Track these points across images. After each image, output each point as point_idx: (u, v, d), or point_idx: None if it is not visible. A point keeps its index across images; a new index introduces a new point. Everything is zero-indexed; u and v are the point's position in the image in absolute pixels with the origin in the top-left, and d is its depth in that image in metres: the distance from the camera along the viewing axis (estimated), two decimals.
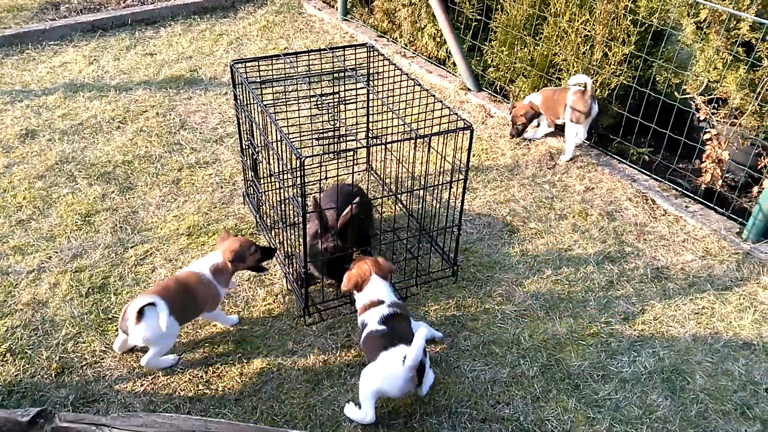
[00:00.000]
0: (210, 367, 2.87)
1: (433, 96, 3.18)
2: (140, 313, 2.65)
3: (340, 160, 4.03)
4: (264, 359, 2.91)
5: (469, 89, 5.11)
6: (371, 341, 2.65)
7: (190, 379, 2.81)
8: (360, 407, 2.62)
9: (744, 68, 3.83)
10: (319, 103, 3.22)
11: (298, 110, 3.73)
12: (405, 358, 2.48)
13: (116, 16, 6.10)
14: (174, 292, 2.77)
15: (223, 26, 6.17)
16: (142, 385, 2.78)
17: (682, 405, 2.78)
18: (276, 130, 2.89)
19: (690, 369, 2.94)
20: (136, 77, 5.22)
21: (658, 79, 4.20)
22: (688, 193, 4.03)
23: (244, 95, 3.31)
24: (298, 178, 2.71)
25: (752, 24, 3.75)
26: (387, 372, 2.53)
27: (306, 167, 3.12)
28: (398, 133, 3.73)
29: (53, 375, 2.81)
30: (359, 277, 2.84)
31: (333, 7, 6.55)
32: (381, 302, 2.76)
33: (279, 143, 3.02)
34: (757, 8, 3.75)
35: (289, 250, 3.26)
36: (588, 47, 4.31)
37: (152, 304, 2.67)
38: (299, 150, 3.35)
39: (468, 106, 4.99)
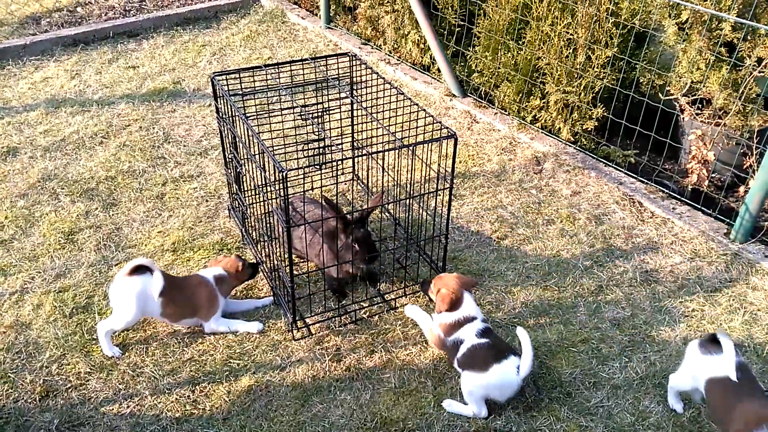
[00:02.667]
0: (197, 386, 2.82)
1: (417, 105, 3.16)
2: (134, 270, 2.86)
3: (324, 171, 4.00)
4: (252, 376, 2.87)
5: (454, 95, 5.10)
6: (477, 355, 2.70)
7: (176, 398, 2.77)
8: (466, 404, 2.72)
9: (727, 68, 3.84)
10: (302, 113, 3.19)
11: (282, 121, 3.70)
12: (519, 368, 2.62)
13: (98, 30, 6.05)
14: (174, 280, 3.02)
15: (206, 37, 6.13)
16: (128, 407, 2.74)
17: (674, 410, 2.77)
18: (258, 143, 2.86)
19: None
20: (119, 91, 5.17)
21: (641, 81, 4.21)
22: (675, 195, 4.03)
23: (226, 108, 3.28)
24: (281, 191, 2.68)
25: (734, 24, 3.76)
26: (502, 382, 2.65)
27: (290, 179, 3.09)
28: (383, 142, 3.71)
29: (37, 399, 2.76)
30: (454, 295, 2.84)
31: (316, 15, 6.53)
32: (474, 318, 2.81)
33: (261, 156, 2.99)
34: (739, 8, 3.75)
35: (276, 263, 3.23)
36: (571, 51, 4.31)
37: (149, 269, 2.87)
38: (284, 162, 3.32)
39: (453, 112, 4.98)
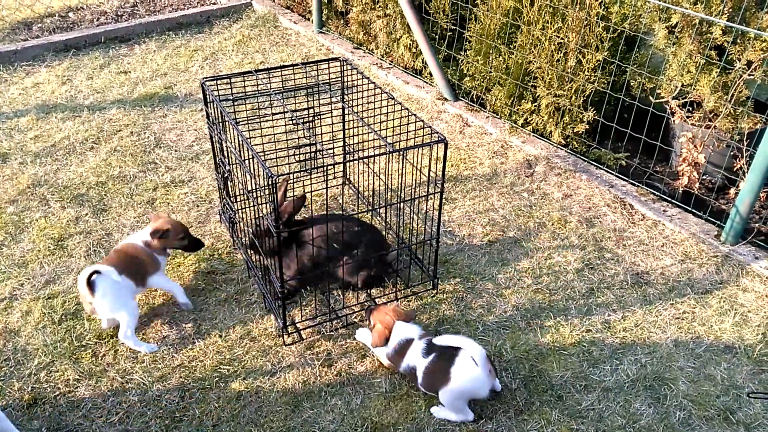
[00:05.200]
0: (187, 393, 2.81)
1: (407, 109, 3.16)
2: (91, 285, 2.88)
3: (315, 176, 3.99)
4: (242, 382, 2.85)
5: (446, 99, 5.10)
6: (434, 372, 2.67)
7: (166, 405, 2.75)
8: (454, 413, 2.71)
9: (717, 71, 3.85)
10: (293, 118, 3.19)
11: (273, 126, 3.70)
12: (473, 359, 2.58)
13: (89, 35, 6.04)
14: (117, 259, 3.05)
15: (198, 42, 6.13)
16: (117, 414, 2.72)
17: (665, 412, 2.77)
18: (247, 148, 2.85)
19: (672, 375, 2.93)
20: (110, 96, 5.16)
21: (632, 84, 4.22)
22: (666, 197, 4.04)
23: (216, 113, 3.27)
24: (270, 196, 2.67)
25: (724, 28, 3.77)
26: (469, 380, 2.61)
27: (279, 184, 3.08)
28: (375, 147, 3.71)
29: (25, 406, 2.74)
30: (388, 332, 2.82)
31: (308, 20, 6.53)
32: (411, 340, 2.77)
33: (251, 161, 2.98)
34: (729, 12, 3.77)
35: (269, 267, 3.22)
36: (562, 55, 4.32)
37: (97, 272, 2.91)
38: (275, 167, 3.31)
39: (445, 116, 4.98)
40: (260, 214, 3.10)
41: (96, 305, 2.93)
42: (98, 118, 4.83)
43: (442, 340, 2.74)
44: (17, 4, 6.70)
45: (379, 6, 5.54)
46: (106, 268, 2.95)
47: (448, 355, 2.66)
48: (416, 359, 2.72)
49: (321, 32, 6.27)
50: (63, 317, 3.16)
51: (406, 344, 2.77)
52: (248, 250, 3.41)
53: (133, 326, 2.98)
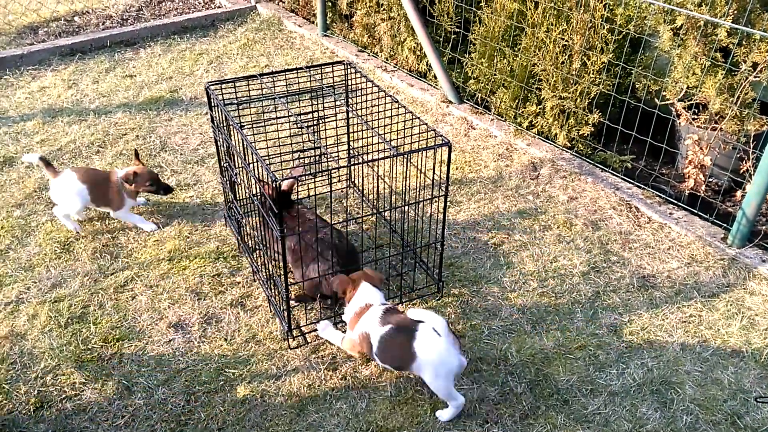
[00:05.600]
0: (192, 396, 2.81)
1: (411, 113, 3.16)
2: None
3: (320, 179, 3.99)
4: (247, 386, 2.85)
5: (450, 102, 5.10)
6: (392, 345, 2.63)
7: (171, 409, 2.75)
8: (447, 405, 2.69)
9: (722, 73, 3.84)
10: (297, 122, 3.19)
11: (278, 130, 3.70)
12: (434, 329, 2.53)
13: (95, 39, 6.07)
14: (90, 171, 3.72)
15: (203, 45, 6.15)
16: (122, 417, 2.73)
17: (672, 417, 2.75)
18: (252, 153, 2.86)
19: (679, 379, 2.92)
20: (116, 100, 5.18)
21: (637, 86, 4.21)
22: (672, 200, 4.02)
23: (220, 117, 3.28)
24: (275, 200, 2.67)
25: (729, 30, 3.76)
26: (435, 353, 2.54)
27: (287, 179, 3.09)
28: (379, 150, 3.71)
29: (32, 410, 2.75)
30: (351, 282, 2.85)
31: (313, 23, 6.54)
32: (370, 305, 2.77)
33: (255, 165, 2.99)
34: (734, 14, 3.76)
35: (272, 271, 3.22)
36: (566, 57, 4.31)
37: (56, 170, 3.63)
38: (280, 170, 3.31)
39: (450, 118, 4.98)
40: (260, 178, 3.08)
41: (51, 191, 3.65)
42: (104, 122, 4.85)
43: (403, 314, 2.72)
44: (23, 8, 6.73)
45: (384, 9, 5.55)
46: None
47: (408, 329, 2.60)
48: (371, 326, 2.69)
49: (325, 35, 6.27)
50: (69, 321, 3.17)
51: (365, 308, 2.76)
52: (254, 254, 3.41)
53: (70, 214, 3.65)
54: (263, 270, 3.31)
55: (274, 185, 2.65)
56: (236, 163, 3.33)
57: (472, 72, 4.98)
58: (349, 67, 3.58)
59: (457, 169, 4.36)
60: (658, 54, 4.10)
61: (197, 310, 3.24)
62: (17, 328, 3.13)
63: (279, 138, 3.72)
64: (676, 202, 4.00)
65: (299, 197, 3.81)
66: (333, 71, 3.59)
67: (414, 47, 5.42)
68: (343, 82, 3.65)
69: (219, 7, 7.00)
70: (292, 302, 3.20)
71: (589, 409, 2.78)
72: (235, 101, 3.38)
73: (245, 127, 3.48)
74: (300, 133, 4.19)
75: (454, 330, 2.68)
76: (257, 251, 3.46)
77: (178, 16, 6.64)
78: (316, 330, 3.10)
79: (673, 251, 3.66)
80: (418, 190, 3.87)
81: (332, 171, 3.95)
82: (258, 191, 3.07)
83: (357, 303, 2.82)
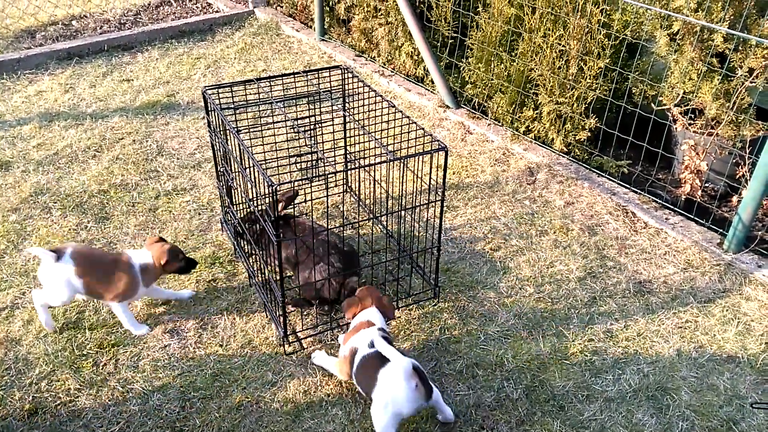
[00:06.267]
0: (187, 402, 2.80)
1: (408, 117, 3.16)
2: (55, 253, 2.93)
3: (316, 184, 3.99)
4: (243, 392, 2.85)
5: (448, 106, 5.11)
6: (366, 368, 2.57)
7: (166, 415, 2.75)
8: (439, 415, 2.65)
9: (718, 79, 3.84)
10: (294, 126, 3.19)
11: (274, 134, 3.70)
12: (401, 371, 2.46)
13: (92, 43, 6.07)
14: (93, 258, 3.03)
15: (200, 50, 6.15)
16: (117, 423, 2.72)
17: (668, 423, 2.75)
18: (248, 157, 2.85)
19: (675, 385, 2.91)
20: (113, 104, 5.17)
21: (633, 91, 4.21)
22: (668, 205, 4.03)
23: (217, 121, 3.28)
24: (271, 205, 2.67)
25: (725, 35, 3.77)
26: (391, 390, 2.47)
27: (280, 192, 3.08)
28: (376, 155, 3.71)
29: (26, 416, 2.74)
30: (360, 305, 2.83)
31: (311, 27, 6.55)
32: (371, 325, 2.73)
33: (252, 170, 2.98)
34: (730, 20, 3.77)
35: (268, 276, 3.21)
36: (563, 62, 4.32)
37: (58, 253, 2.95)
38: (277, 175, 3.31)
39: (447, 123, 4.98)
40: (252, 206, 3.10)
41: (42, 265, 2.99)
42: (101, 126, 4.85)
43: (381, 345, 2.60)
44: (21, 12, 6.73)
45: (381, 14, 5.55)
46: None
47: (384, 357, 2.52)
48: (361, 344, 2.65)
49: (323, 40, 6.28)
50: (64, 326, 3.16)
51: (363, 324, 2.74)
52: (250, 259, 3.41)
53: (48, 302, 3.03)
54: (259, 275, 3.31)
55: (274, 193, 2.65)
56: (233, 168, 3.33)
57: (469, 77, 4.98)
58: (346, 71, 3.59)
59: (453, 173, 4.36)
60: (654, 59, 4.11)
61: (192, 316, 3.23)
62: (12, 334, 3.12)
63: (276, 143, 3.72)
64: (672, 207, 4.01)
65: (296, 205, 3.80)
66: (330, 76, 3.59)
67: (411, 52, 5.43)
68: (341, 86, 3.65)
69: (217, 11, 7.00)
70: (289, 308, 3.19)
71: (585, 415, 2.77)
72: (232, 106, 3.38)
73: (242, 131, 3.48)
74: (297, 137, 4.19)
75: (423, 371, 2.55)
76: (253, 256, 3.45)
77: (175, 21, 6.65)
78: (311, 336, 3.10)
79: (669, 256, 3.66)
80: (414, 194, 3.88)
81: (329, 176, 3.95)
82: (254, 198, 3.08)
83: (359, 319, 2.79)
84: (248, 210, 3.18)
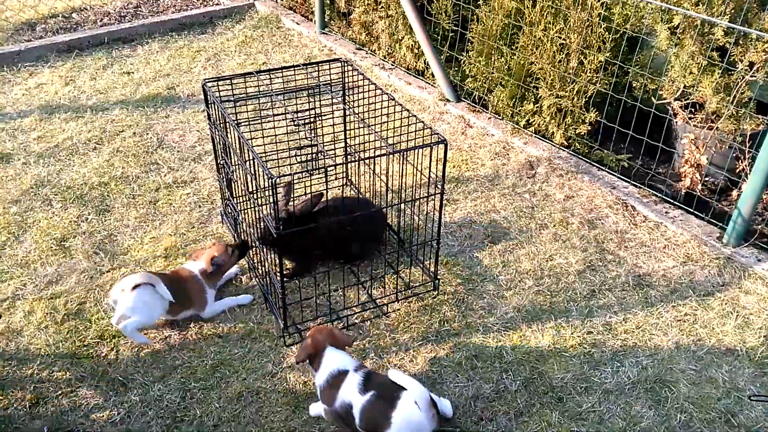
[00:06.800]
0: (188, 393, 2.82)
1: (407, 111, 3.16)
2: (136, 287, 2.90)
3: (316, 177, 3.99)
4: (243, 383, 2.86)
5: (448, 100, 5.10)
6: (373, 412, 2.44)
7: (167, 405, 2.76)
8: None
9: (719, 73, 3.84)
10: (295, 119, 3.19)
11: (274, 127, 3.70)
12: (416, 402, 2.39)
13: (93, 36, 6.06)
14: (168, 280, 3.02)
15: (201, 42, 6.14)
16: (118, 413, 2.73)
17: (666, 415, 2.76)
18: (248, 150, 2.86)
19: (673, 378, 2.92)
20: (113, 97, 5.17)
21: (634, 85, 4.21)
22: (668, 199, 4.03)
23: (217, 114, 3.28)
24: (271, 197, 2.68)
25: (726, 29, 3.76)
26: (409, 428, 2.40)
27: (279, 186, 3.09)
28: (376, 148, 3.71)
29: (27, 406, 2.75)
30: (312, 347, 2.62)
31: (311, 20, 6.54)
32: (346, 372, 2.55)
33: (252, 162, 2.99)
34: (730, 13, 3.76)
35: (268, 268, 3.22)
36: (564, 55, 4.32)
37: (151, 285, 2.93)
38: (277, 168, 3.31)
39: (447, 116, 4.98)
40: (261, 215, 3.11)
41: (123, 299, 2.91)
42: (101, 119, 4.85)
43: (384, 378, 2.54)
44: (21, 5, 6.72)
45: (382, 7, 5.54)
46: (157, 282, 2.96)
47: (390, 396, 2.43)
48: (353, 395, 2.48)
49: (323, 33, 6.27)
50: (65, 317, 3.17)
51: (340, 376, 2.54)
52: (250, 251, 3.42)
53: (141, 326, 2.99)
54: (259, 267, 3.32)
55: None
56: (233, 161, 3.33)
57: (470, 70, 4.98)
58: (346, 64, 3.58)
59: (453, 167, 4.37)
60: (655, 53, 4.11)
61: None
62: (13, 325, 3.13)
63: (276, 135, 3.72)
64: (672, 201, 4.01)
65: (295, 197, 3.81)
66: (330, 69, 3.58)
67: (412, 45, 5.42)
68: (341, 79, 3.65)
69: (217, 4, 6.99)
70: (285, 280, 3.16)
71: (584, 407, 2.78)
72: (232, 98, 3.38)
73: (242, 124, 3.48)
74: (297, 130, 4.19)
75: (433, 397, 2.53)
76: (253, 248, 3.46)
77: (176, 13, 6.64)
78: (311, 327, 3.11)
79: (669, 250, 3.67)
80: (414, 188, 3.88)
81: (329, 168, 3.95)
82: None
83: (328, 372, 2.57)
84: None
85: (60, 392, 2.82)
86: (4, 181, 4.14)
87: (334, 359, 2.59)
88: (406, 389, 2.44)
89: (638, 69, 4.14)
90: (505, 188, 4.17)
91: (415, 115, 3.12)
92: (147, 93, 5.23)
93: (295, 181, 3.93)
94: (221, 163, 3.50)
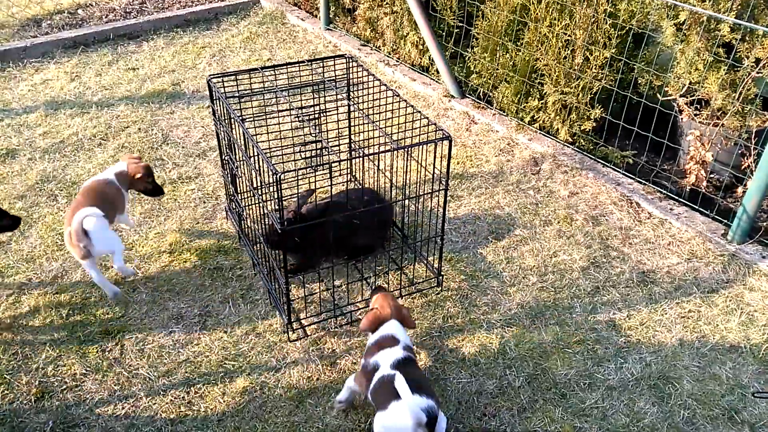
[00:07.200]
0: (192, 388, 2.83)
1: (412, 107, 3.16)
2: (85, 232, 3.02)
3: (321, 173, 4.00)
4: (247, 378, 2.87)
5: (453, 96, 5.10)
6: (383, 389, 2.43)
7: (171, 400, 2.77)
8: None
9: (725, 69, 3.83)
10: (299, 115, 3.20)
11: (279, 123, 3.71)
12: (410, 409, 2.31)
13: (98, 32, 6.07)
14: (95, 199, 3.18)
15: (206, 39, 6.15)
16: (123, 408, 2.75)
17: (669, 411, 2.76)
18: (252, 146, 2.86)
19: (677, 374, 2.92)
20: (118, 93, 5.19)
21: (639, 81, 4.20)
22: (673, 196, 4.02)
23: (222, 110, 3.29)
24: (275, 193, 2.68)
25: (732, 25, 3.75)
26: (395, 424, 2.33)
27: (284, 181, 3.09)
28: (380, 144, 3.71)
29: (33, 400, 2.77)
30: (379, 318, 2.70)
31: (316, 17, 6.54)
32: (396, 341, 2.59)
33: (256, 158, 3.00)
34: (737, 9, 3.74)
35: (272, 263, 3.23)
36: (569, 52, 4.31)
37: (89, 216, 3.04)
38: (281, 163, 3.32)
39: (452, 113, 4.98)
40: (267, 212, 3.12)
41: (94, 248, 3.07)
42: (106, 115, 4.86)
43: (415, 372, 2.52)
44: (26, 1, 6.74)
45: (387, 3, 5.54)
46: (93, 211, 3.05)
47: (396, 392, 2.35)
48: (385, 362, 2.51)
49: (328, 29, 6.27)
50: (70, 312, 3.19)
51: (390, 342, 2.60)
52: (254, 247, 3.43)
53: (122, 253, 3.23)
54: (264, 263, 3.33)
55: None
56: (237, 156, 3.34)
57: (475, 66, 4.97)
58: (351, 61, 3.58)
59: (458, 163, 4.36)
60: (660, 49, 4.09)
61: (197, 303, 3.25)
62: (19, 319, 3.15)
63: (280, 131, 3.73)
64: (677, 197, 4.00)
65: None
66: (335, 65, 3.58)
67: (417, 41, 5.41)
68: (345, 75, 3.65)
69: (222, 0, 6.99)
70: (292, 293, 3.21)
71: (587, 403, 2.79)
72: (237, 94, 3.39)
73: (247, 120, 3.49)
74: (301, 126, 4.20)
75: (433, 412, 2.38)
76: (257, 244, 3.47)
77: (180, 10, 6.64)
78: (315, 323, 3.12)
79: (673, 247, 3.66)
80: (418, 184, 3.88)
81: (333, 164, 3.95)
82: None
83: (382, 334, 2.65)
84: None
85: (65, 386, 2.83)
86: (10, 177, 4.16)
87: (393, 328, 2.66)
88: (422, 394, 2.36)
89: (644, 65, 4.13)
90: (509, 185, 4.16)
91: (419, 111, 3.12)
92: (152, 89, 5.24)
93: (300, 177, 3.94)
94: (226, 159, 3.51)
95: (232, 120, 3.19)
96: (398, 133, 3.30)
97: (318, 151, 3.80)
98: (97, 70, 5.52)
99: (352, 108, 3.75)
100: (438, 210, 3.79)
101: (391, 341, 2.60)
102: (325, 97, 3.68)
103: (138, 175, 3.45)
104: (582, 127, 4.42)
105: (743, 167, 3.90)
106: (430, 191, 3.18)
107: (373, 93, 3.42)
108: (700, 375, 2.92)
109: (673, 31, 3.98)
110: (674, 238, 3.72)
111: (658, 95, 4.10)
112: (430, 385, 2.55)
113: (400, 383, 2.30)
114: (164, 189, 3.63)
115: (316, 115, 3.56)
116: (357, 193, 3.52)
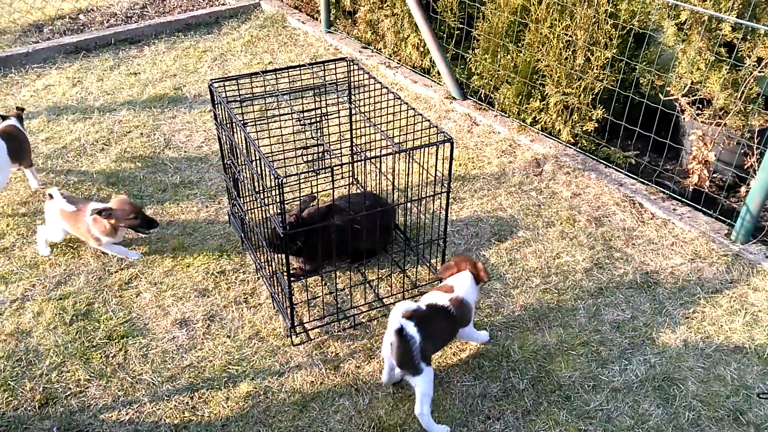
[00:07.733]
0: (196, 393, 2.83)
1: (414, 109, 3.16)
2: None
3: (323, 177, 4.00)
4: (250, 382, 2.87)
5: (454, 98, 5.10)
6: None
7: (175, 405, 2.77)
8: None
9: (726, 68, 3.82)
10: (301, 119, 3.20)
11: (281, 127, 3.71)
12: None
13: (99, 37, 6.09)
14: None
15: (207, 42, 6.16)
16: (127, 414, 2.75)
17: (674, 413, 2.75)
18: (254, 150, 2.87)
19: (682, 375, 2.91)
20: (120, 98, 5.20)
21: (641, 81, 4.19)
22: (676, 196, 4.01)
23: (224, 114, 3.29)
24: (278, 196, 2.68)
25: (733, 24, 3.74)
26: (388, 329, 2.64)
27: (286, 185, 3.09)
28: (382, 147, 3.72)
29: (37, 406, 2.77)
30: (456, 269, 2.93)
31: (317, 20, 6.54)
32: (451, 290, 2.84)
33: (258, 162, 3.00)
34: (738, 9, 3.74)
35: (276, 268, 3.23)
36: (570, 52, 4.30)
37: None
38: (283, 167, 3.32)
39: (454, 114, 4.98)
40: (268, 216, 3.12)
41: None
42: (108, 120, 4.87)
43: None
44: (28, 6, 6.76)
45: (387, 5, 5.54)
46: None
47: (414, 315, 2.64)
48: (426, 300, 2.78)
49: (329, 32, 6.27)
50: (74, 318, 3.19)
51: (450, 289, 2.83)
52: (257, 251, 3.43)
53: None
54: (266, 267, 3.33)
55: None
56: (239, 161, 3.34)
57: (476, 68, 4.97)
58: (352, 63, 3.59)
59: (460, 165, 4.36)
60: (662, 49, 4.08)
61: (201, 307, 3.25)
62: (22, 326, 3.16)
63: (282, 135, 3.73)
64: (680, 197, 3.99)
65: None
66: (336, 68, 3.59)
67: (417, 43, 5.41)
68: (347, 78, 3.65)
69: (223, 4, 7.01)
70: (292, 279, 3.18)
71: (591, 406, 2.78)
72: (239, 98, 3.39)
73: (248, 124, 3.49)
74: (303, 130, 4.20)
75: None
76: (260, 248, 3.47)
77: (182, 14, 6.65)
78: (318, 327, 3.12)
79: (677, 247, 3.65)
80: (420, 186, 3.88)
81: (335, 168, 3.96)
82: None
83: (448, 281, 2.89)
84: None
85: (69, 393, 2.84)
86: (13, 183, 4.17)
87: (459, 279, 2.87)
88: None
89: (645, 65, 4.12)
90: (511, 186, 4.16)
91: (421, 114, 3.12)
92: (154, 93, 5.24)
93: (302, 180, 3.94)
94: (228, 163, 3.51)
95: (234, 124, 3.19)
96: (400, 135, 3.30)
97: (320, 155, 3.80)
98: (98, 75, 5.53)
99: (353, 111, 3.75)
100: (440, 212, 3.79)
101: (447, 288, 2.84)
102: (326, 100, 3.68)
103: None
104: (584, 128, 4.41)
105: (746, 167, 3.89)
106: (433, 194, 3.17)
107: (375, 96, 3.42)
108: (704, 376, 2.91)
109: (675, 31, 3.97)
110: (677, 239, 3.71)
111: (660, 95, 4.10)
112: (441, 336, 2.82)
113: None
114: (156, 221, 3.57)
115: (318, 119, 3.56)
116: (359, 197, 3.52)
